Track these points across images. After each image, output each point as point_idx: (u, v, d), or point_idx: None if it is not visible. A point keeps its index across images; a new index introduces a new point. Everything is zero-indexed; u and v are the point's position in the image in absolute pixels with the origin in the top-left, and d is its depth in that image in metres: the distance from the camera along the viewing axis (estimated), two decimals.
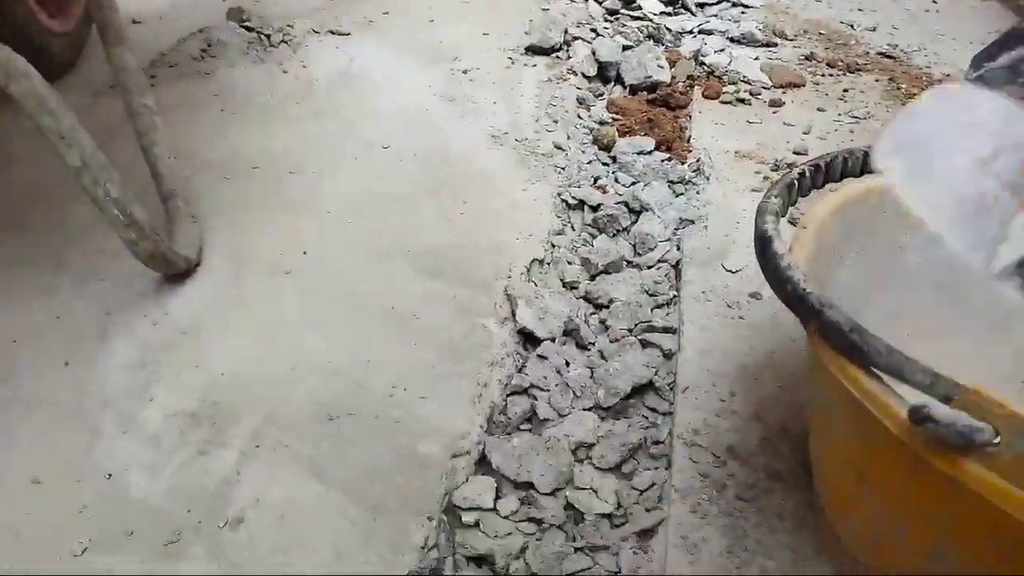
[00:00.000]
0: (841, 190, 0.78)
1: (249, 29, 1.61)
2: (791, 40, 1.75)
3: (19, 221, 1.14)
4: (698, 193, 1.28)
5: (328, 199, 1.22)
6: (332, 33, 1.69)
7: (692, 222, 1.22)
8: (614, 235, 1.24)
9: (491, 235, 1.18)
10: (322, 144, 1.34)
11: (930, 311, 0.78)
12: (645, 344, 1.02)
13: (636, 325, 1.06)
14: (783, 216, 0.73)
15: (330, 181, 1.25)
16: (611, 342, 1.04)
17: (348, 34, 1.70)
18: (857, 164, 0.81)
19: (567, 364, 1.01)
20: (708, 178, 1.30)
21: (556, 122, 1.48)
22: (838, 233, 0.74)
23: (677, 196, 1.30)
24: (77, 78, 1.51)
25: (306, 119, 1.41)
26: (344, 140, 1.35)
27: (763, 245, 0.68)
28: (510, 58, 1.67)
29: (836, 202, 0.75)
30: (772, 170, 1.30)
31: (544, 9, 1.87)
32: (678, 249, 1.18)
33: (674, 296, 1.10)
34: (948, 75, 1.58)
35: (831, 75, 1.61)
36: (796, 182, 0.77)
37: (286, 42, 1.61)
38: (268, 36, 1.60)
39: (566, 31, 1.75)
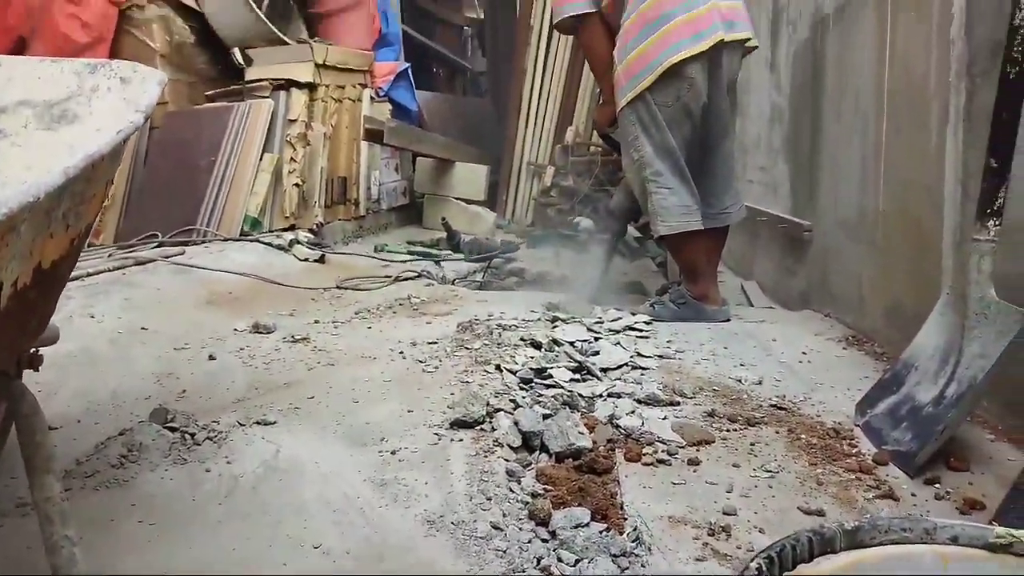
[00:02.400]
0: None
1: (173, 429, 1.61)
2: (691, 398, 1.92)
3: None
4: (643, 567, 1.27)
5: None
6: (258, 424, 1.71)
7: None
8: None
9: None
10: (247, 553, 1.27)
11: None
12: None
13: None
14: None
15: None
16: None
17: (274, 423, 1.73)
18: (805, 550, 0.84)
19: None
20: (650, 549, 1.30)
21: (489, 499, 1.49)
22: None
23: (623, 571, 1.28)
24: None
25: (230, 522, 1.36)
26: (270, 545, 1.29)
27: None
28: (436, 434, 1.73)
29: None
30: (709, 534, 1.32)
31: (464, 382, 2.00)
32: None
33: None
34: (839, 423, 1.74)
35: (735, 430, 1.74)
36: None
37: (211, 439, 1.61)
38: (192, 435, 1.60)
39: (487, 403, 1.84)
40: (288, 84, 4.12)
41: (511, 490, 1.53)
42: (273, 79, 4.11)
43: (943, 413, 1.54)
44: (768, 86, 3.55)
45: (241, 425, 1.69)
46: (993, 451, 1.60)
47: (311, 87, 4.23)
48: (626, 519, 1.42)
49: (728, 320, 2.67)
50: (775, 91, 3.48)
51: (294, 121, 4.10)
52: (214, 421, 1.67)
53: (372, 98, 4.86)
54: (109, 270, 2.95)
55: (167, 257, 3.19)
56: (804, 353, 2.25)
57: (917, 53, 2.11)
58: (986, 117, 1.60)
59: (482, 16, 9.37)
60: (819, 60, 2.90)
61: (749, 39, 2.64)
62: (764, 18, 3.63)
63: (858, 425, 1.73)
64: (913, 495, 1.44)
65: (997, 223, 1.54)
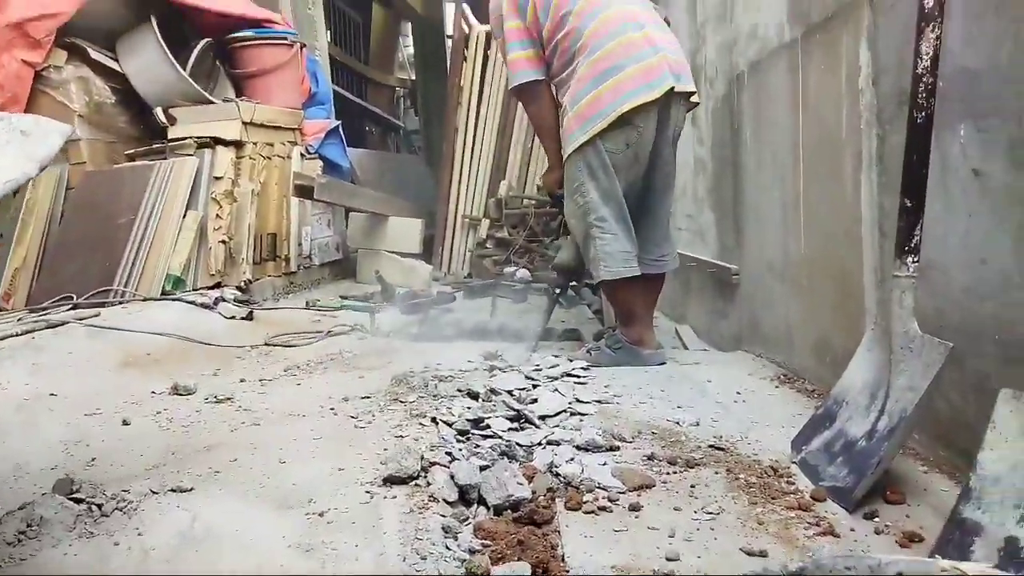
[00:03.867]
0: None
1: (78, 501, 1.48)
2: (630, 442, 1.89)
3: None
4: None
5: None
6: (173, 491, 1.59)
7: None
8: None
9: None
10: None
11: None
12: None
13: None
14: None
15: None
16: None
17: (191, 489, 1.61)
18: None
19: None
20: None
21: (424, 559, 1.41)
22: None
23: None
24: None
25: None
26: None
27: None
28: (368, 492, 1.64)
29: None
30: None
31: (398, 436, 1.92)
32: None
33: None
34: (776, 460, 1.73)
35: (675, 472, 1.71)
36: None
37: (120, 509, 1.49)
38: (100, 506, 1.47)
39: (422, 457, 1.77)
40: (214, 142, 4.04)
41: (447, 547, 1.45)
42: (198, 137, 4.03)
43: (876, 447, 1.55)
44: (691, 139, 3.68)
45: (154, 493, 1.57)
46: (927, 482, 1.61)
47: (238, 144, 4.16)
48: (568, 572, 1.36)
49: (664, 363, 2.69)
50: (698, 144, 3.60)
51: (220, 178, 4.00)
52: (124, 491, 1.54)
53: (303, 155, 4.82)
54: (17, 334, 2.76)
55: (81, 319, 3.02)
56: (739, 393, 2.26)
57: (828, 104, 2.21)
58: (897, 160, 1.67)
59: (413, 77, 9.52)
60: (737, 115, 3.02)
61: (694, 93, 2.73)
62: None
63: (795, 462, 1.73)
64: (852, 530, 1.43)
65: (915, 260, 1.59)
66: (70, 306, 3.36)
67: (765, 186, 2.73)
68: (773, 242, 2.66)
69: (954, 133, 1.61)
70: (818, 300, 2.33)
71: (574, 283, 4.12)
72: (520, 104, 2.85)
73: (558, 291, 3.18)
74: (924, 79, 1.57)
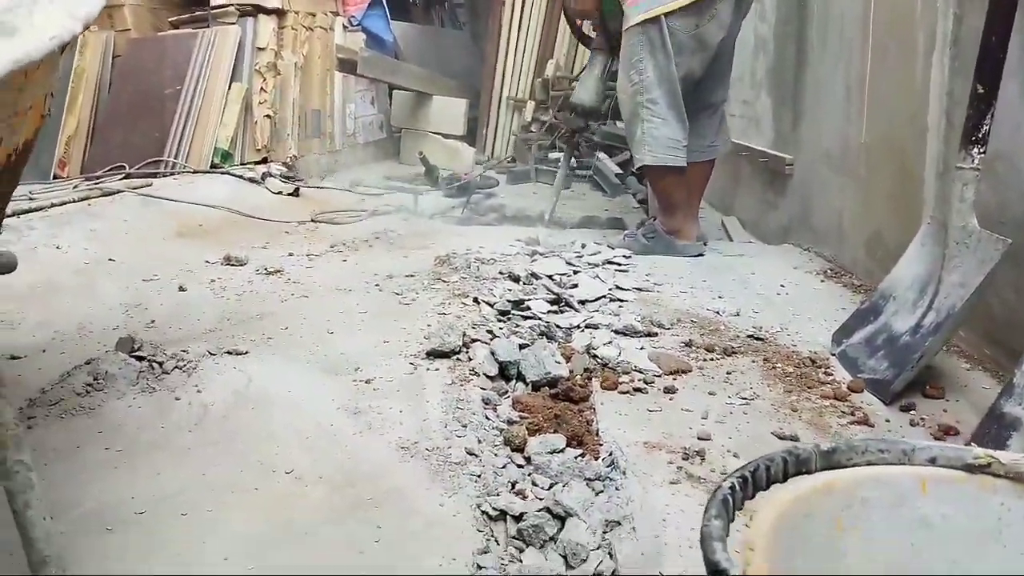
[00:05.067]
0: (772, 502, 0.79)
1: (140, 358, 1.57)
2: (668, 329, 1.90)
3: None
4: (617, 490, 1.27)
5: (224, 542, 1.11)
6: (229, 354, 1.67)
7: (619, 523, 1.18)
8: (541, 546, 1.18)
9: (410, 563, 1.09)
10: (216, 478, 1.25)
11: None
12: None
13: None
14: (727, 536, 0.72)
15: (225, 522, 1.15)
16: None
17: (246, 353, 1.69)
18: (779, 470, 0.83)
19: None
20: (624, 473, 1.30)
21: (465, 426, 1.47)
22: (784, 551, 0.73)
23: (597, 494, 1.28)
24: None
25: (199, 450, 1.33)
26: (241, 471, 1.27)
27: None
28: (412, 364, 1.70)
29: (771, 520, 0.74)
30: (683, 459, 1.32)
31: (441, 314, 1.97)
32: (611, 557, 1.13)
33: None
34: (815, 352, 1.73)
35: (712, 359, 1.73)
36: (729, 498, 0.77)
37: (180, 368, 1.57)
38: (161, 364, 1.56)
39: (464, 334, 1.82)
40: (256, 10, 3.94)
41: (487, 417, 1.52)
42: (240, 4, 3.93)
43: (920, 342, 1.53)
44: (753, 16, 3.46)
45: (211, 355, 1.65)
46: (968, 379, 1.60)
47: (280, 13, 4.05)
48: (601, 445, 1.41)
49: (701, 255, 2.63)
50: (759, 21, 3.38)
51: (263, 49, 3.94)
52: (183, 351, 1.63)
53: (345, 27, 4.68)
54: (74, 201, 2.85)
55: (135, 188, 3.09)
56: (782, 286, 2.24)
57: None
58: (973, 43, 1.55)
59: None
60: None
61: None
62: None
63: (834, 354, 1.73)
64: (887, 421, 1.45)
65: (982, 151, 1.51)
66: (123, 175, 3.43)
67: (829, 68, 2.58)
68: (832, 129, 2.55)
69: None
70: (874, 191, 2.25)
71: (619, 172, 4.03)
72: None
73: (575, 135, 3.04)
74: None
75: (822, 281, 2.33)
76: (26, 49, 0.89)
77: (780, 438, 1.38)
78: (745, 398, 1.53)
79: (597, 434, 1.46)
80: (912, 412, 1.48)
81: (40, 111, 1.06)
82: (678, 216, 2.67)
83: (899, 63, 2.08)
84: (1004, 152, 1.59)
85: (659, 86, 2.49)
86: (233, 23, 3.90)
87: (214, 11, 3.97)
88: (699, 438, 1.39)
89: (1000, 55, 1.48)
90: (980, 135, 1.51)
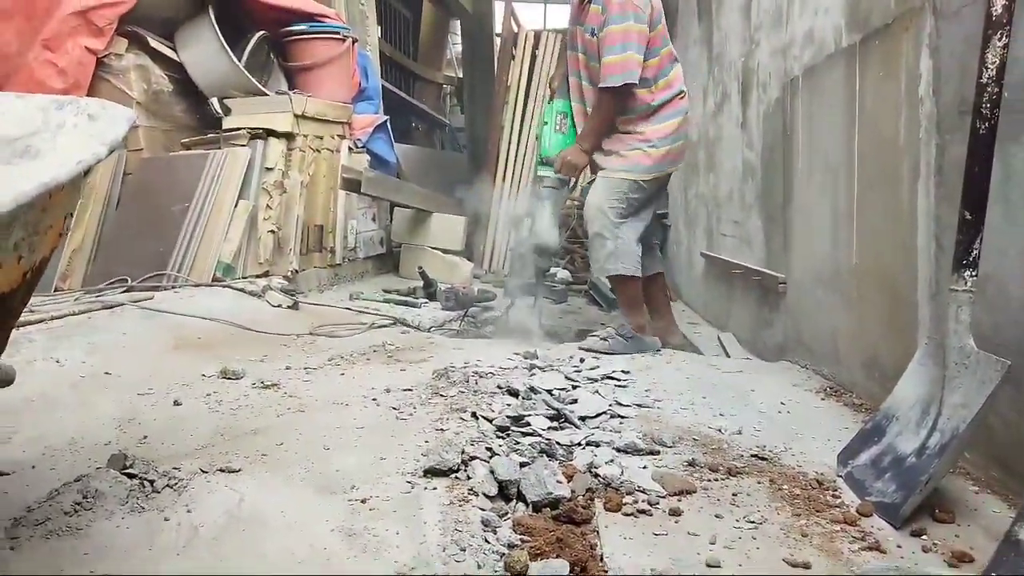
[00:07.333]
0: None
1: (131, 476, 1.53)
2: (671, 447, 1.88)
3: None
4: None
5: None
6: (222, 471, 1.64)
7: None
8: None
9: None
10: None
11: None
12: None
13: None
14: None
15: None
16: None
17: (239, 471, 1.65)
18: None
19: None
20: None
21: (463, 550, 1.42)
22: None
23: None
24: None
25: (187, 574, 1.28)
26: None
27: None
28: (409, 482, 1.66)
29: None
30: None
31: (439, 430, 1.94)
32: None
33: None
34: (821, 473, 1.70)
35: (716, 479, 1.70)
36: None
37: (171, 486, 1.53)
38: (152, 482, 1.52)
39: (462, 451, 1.79)
40: (266, 133, 4.12)
41: (486, 540, 1.46)
42: (251, 128, 4.11)
43: (926, 464, 1.52)
44: (740, 144, 3.63)
45: (204, 472, 1.61)
46: (978, 503, 1.57)
47: (289, 137, 4.23)
48: (607, 572, 1.36)
49: (660, 350, 3.04)
50: (747, 148, 3.55)
51: (271, 169, 4.08)
52: (175, 468, 1.59)
53: (351, 149, 4.88)
54: (74, 314, 2.86)
55: (135, 302, 3.11)
56: (782, 403, 2.23)
57: (886, 112, 2.17)
58: (957, 171, 1.63)
59: (460, 75, 9.57)
60: (790, 120, 2.97)
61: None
62: (734, 79, 3.73)
63: (840, 476, 1.70)
64: (899, 547, 1.40)
65: (974, 274, 1.55)
66: (124, 288, 3.46)
67: (816, 193, 2.69)
68: (823, 251, 2.62)
69: (1019, 145, 1.57)
70: (868, 312, 2.29)
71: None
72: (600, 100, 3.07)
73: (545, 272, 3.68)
74: (989, 89, 1.53)
75: (822, 399, 2.32)
76: (55, 172, 0.93)
77: (792, 565, 1.33)
78: (753, 521, 1.49)
79: (602, 559, 1.41)
80: (923, 537, 1.44)
81: (59, 230, 1.10)
82: (639, 316, 3.14)
83: (886, 190, 2.17)
84: (994, 275, 1.63)
85: (636, 216, 3.13)
86: (244, 145, 4.06)
87: (225, 134, 4.15)
88: (708, 565, 1.34)
89: (984, 184, 1.55)
90: (971, 259, 1.55)
